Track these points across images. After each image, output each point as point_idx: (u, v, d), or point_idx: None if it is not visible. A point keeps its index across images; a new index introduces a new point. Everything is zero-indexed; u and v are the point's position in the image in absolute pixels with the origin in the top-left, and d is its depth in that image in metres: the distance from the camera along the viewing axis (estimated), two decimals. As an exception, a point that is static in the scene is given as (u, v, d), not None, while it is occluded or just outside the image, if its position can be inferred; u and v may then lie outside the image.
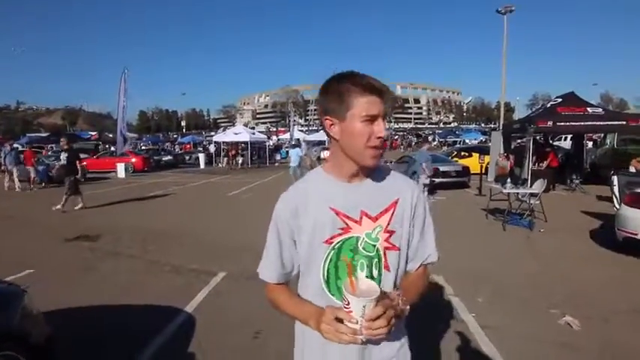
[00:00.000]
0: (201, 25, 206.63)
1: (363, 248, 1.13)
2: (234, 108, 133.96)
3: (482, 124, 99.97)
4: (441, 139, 54.99)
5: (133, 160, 22.88)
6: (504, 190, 7.32)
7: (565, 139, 21.28)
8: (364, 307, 0.95)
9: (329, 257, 1.13)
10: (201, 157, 27.49)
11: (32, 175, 15.21)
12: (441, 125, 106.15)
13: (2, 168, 15.10)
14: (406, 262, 1.22)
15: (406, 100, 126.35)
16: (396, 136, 60.75)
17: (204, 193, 13.68)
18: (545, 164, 12.35)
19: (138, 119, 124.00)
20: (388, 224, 1.15)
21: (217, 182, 16.97)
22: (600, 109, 12.12)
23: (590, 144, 18.02)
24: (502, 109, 39.40)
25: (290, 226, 1.16)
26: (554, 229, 7.19)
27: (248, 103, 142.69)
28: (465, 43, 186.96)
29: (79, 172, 9.94)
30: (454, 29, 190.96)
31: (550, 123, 11.53)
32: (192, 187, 15.31)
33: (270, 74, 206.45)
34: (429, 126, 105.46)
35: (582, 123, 11.67)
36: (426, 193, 10.64)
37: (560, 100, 12.50)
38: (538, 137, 12.95)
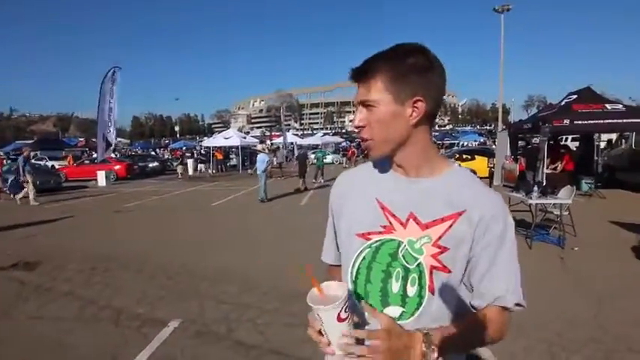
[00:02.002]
0: (193, 29, 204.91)
1: (402, 257, 0.95)
2: (228, 113, 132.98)
3: (478, 127, 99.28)
4: (438, 142, 53.89)
5: (116, 167, 21.62)
6: (530, 201, 6.10)
7: (566, 139, 19.96)
8: (319, 316, 0.84)
9: (362, 254, 0.98)
10: (190, 162, 26.26)
11: None
12: (437, 128, 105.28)
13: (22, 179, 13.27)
14: (470, 291, 0.96)
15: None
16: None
17: (185, 203, 12.41)
18: (560, 167, 11.21)
19: (131, 125, 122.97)
20: (439, 238, 0.92)
21: (202, 191, 15.70)
22: (620, 105, 10.96)
23: (602, 144, 16.75)
24: (500, 111, 38.71)
25: (333, 209, 1.09)
26: (588, 246, 6.00)
27: (242, 108, 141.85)
28: (460, 44, 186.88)
29: None
30: (448, 31, 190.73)
31: (567, 121, 10.37)
32: (174, 197, 14.03)
33: (264, 78, 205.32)
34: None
35: (602, 121, 10.51)
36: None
37: (575, 96, 11.33)
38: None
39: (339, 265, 1.08)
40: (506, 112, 76.24)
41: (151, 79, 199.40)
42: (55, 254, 6.29)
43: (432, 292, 0.93)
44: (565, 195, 6.59)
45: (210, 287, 4.62)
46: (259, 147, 14.43)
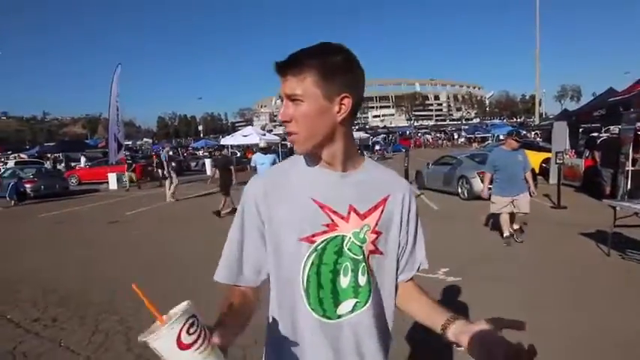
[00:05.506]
0: (214, 29, 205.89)
1: (349, 249, 0.93)
2: (251, 111, 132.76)
3: (507, 119, 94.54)
4: (468, 135, 50.31)
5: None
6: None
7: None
8: (157, 351, 0.64)
9: (310, 260, 0.91)
10: (208, 162, 25.02)
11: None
12: (463, 121, 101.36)
13: (164, 174, 12.83)
14: (396, 271, 1.01)
15: (426, 97, 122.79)
16: (419, 133, 57.23)
17: (194, 211, 10.91)
18: (644, 162, 9.06)
19: (157, 125, 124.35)
20: (376, 224, 0.96)
21: (218, 195, 14.22)
22: None
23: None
24: (537, 100, 35.89)
25: (260, 213, 0.94)
26: None
27: (265, 106, 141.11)
28: (486, 35, 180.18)
29: None
30: (472, 22, 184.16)
31: (659, 105, 8.26)
32: (184, 202, 12.57)
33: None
34: (450, 122, 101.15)
35: None
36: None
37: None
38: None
39: (238, 287, 0.97)
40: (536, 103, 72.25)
41: (175, 79, 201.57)
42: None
43: (373, 276, 0.96)
44: None
45: None
46: (262, 145, 9.40)
